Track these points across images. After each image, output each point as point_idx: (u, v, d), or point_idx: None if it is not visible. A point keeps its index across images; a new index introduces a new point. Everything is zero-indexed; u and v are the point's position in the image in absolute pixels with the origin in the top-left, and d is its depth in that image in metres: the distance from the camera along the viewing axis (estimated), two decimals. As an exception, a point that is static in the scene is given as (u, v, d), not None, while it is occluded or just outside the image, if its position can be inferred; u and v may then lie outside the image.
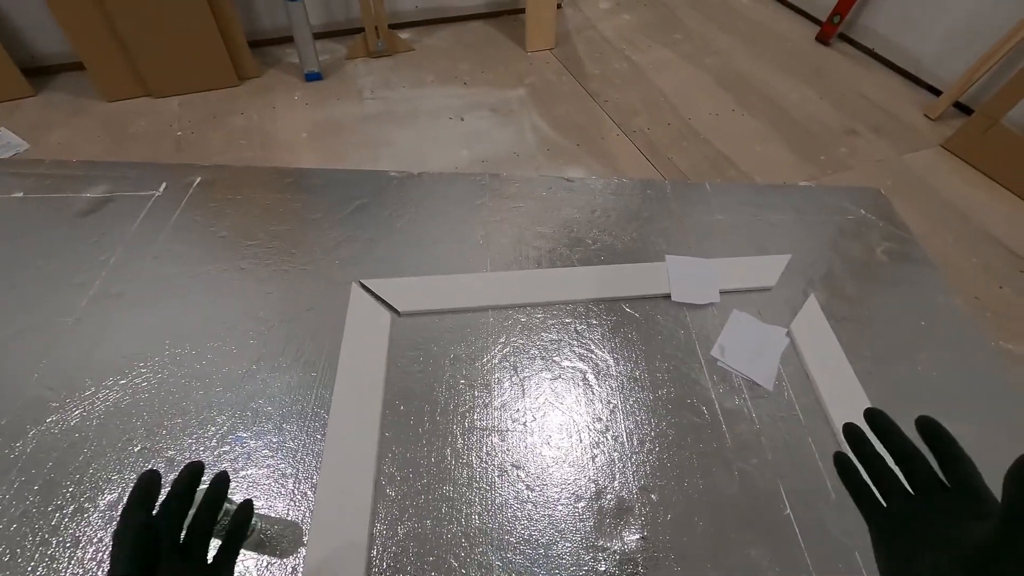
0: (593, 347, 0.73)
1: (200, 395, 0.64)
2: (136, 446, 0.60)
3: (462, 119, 2.29)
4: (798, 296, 0.82)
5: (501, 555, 0.55)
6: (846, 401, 0.69)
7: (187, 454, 0.59)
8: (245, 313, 0.74)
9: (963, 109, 2.50)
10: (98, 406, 0.63)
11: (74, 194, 0.89)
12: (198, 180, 0.93)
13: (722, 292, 0.81)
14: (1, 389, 0.64)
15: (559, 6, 3.00)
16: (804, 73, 2.73)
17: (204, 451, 0.60)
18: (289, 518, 0.55)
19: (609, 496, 0.59)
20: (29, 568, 0.51)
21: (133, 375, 0.66)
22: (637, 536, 0.57)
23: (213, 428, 0.62)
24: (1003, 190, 2.16)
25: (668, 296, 0.80)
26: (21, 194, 0.88)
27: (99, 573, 0.51)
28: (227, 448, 0.60)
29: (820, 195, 1.01)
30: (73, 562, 0.52)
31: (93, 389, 0.64)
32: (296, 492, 0.57)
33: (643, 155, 2.18)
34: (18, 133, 2.03)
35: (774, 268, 0.86)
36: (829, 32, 2.96)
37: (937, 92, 2.58)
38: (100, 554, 0.52)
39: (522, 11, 2.87)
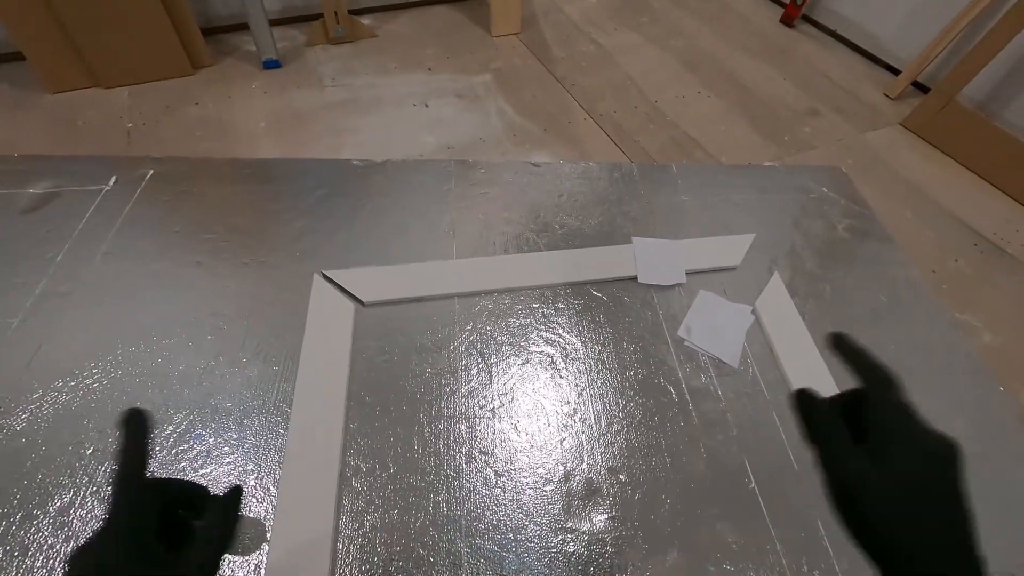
0: (561, 331, 0.73)
1: (156, 394, 0.62)
2: (88, 448, 0.57)
3: (427, 105, 2.25)
4: (763, 274, 0.83)
5: (470, 541, 0.54)
6: (809, 376, 0.71)
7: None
8: (202, 309, 0.71)
9: (921, 88, 2.56)
10: (46, 409, 0.60)
11: (16, 190, 0.84)
12: (151, 173, 0.89)
13: (688, 273, 0.82)
14: (-60, 397, 0.61)
15: (525, -11, 2.96)
16: (769, 54, 2.76)
17: (161, 451, 0.58)
18: (252, 515, 0.54)
19: (577, 478, 0.59)
20: (-25, 582, 0.49)
21: (83, 376, 0.63)
22: (605, 516, 0.57)
23: (170, 427, 0.60)
24: (958, 166, 2.23)
25: (635, 278, 0.80)
26: (-41, 191, 0.84)
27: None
28: (185, 447, 0.58)
29: (784, 175, 1.02)
30: (22, 570, 0.50)
31: (40, 392, 0.61)
32: (258, 488, 0.56)
33: (610, 138, 2.18)
34: (-44, 130, 1.92)
35: (739, 247, 0.87)
36: (793, 14, 2.99)
37: (896, 72, 2.64)
38: (51, 561, 0.50)
39: (488, -6, 2.82)
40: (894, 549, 0.28)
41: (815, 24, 3.01)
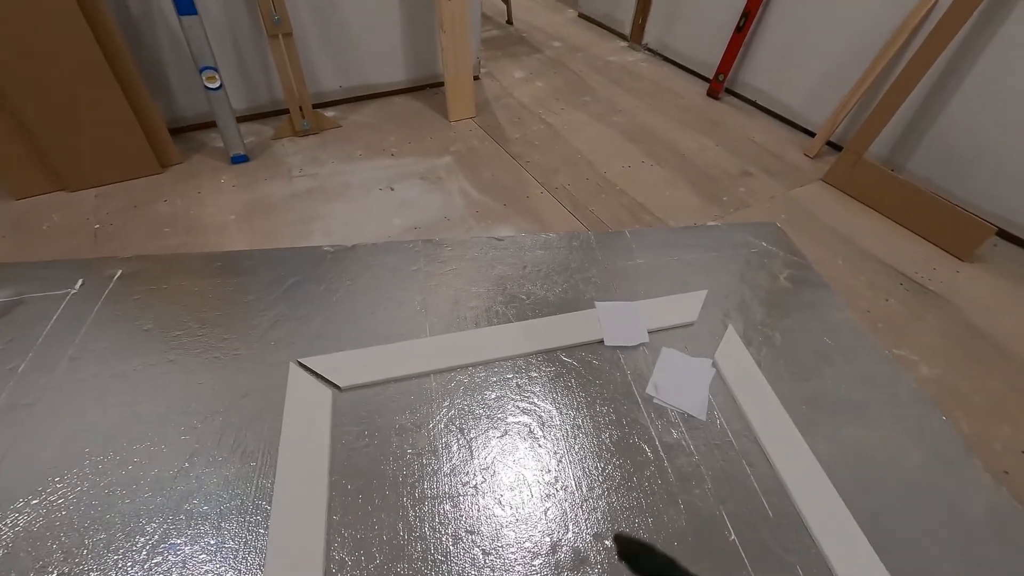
0: (536, 399, 0.75)
1: (126, 504, 0.60)
2: (52, 572, 0.54)
3: (392, 189, 2.34)
4: (718, 327, 0.89)
5: (464, 627, 0.53)
6: (771, 421, 0.75)
7: (113, 573, 0.55)
8: (175, 408, 0.70)
9: (835, 147, 2.85)
10: (5, 534, 0.57)
11: (-25, 301, 0.83)
12: (119, 273, 0.89)
13: (650, 331, 0.87)
14: None
15: (476, 77, 3.19)
16: (700, 124, 3.03)
17: (132, 565, 0.55)
18: (234, 625, 0.52)
19: (564, 548, 0.60)
20: None
21: (47, 492, 0.61)
22: (596, 584, 0.57)
23: (142, 539, 0.57)
24: (876, 214, 2.45)
25: (602, 341, 0.84)
26: (-85, 305, 0.82)
27: None
28: (159, 559, 0.56)
29: (726, 232, 1.11)
30: None
31: (1, 512, 0.58)
32: (241, 595, 0.54)
33: (566, 209, 2.31)
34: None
35: (694, 304, 0.93)
36: (717, 88, 3.32)
37: (812, 134, 2.94)
38: None
39: (442, 84, 3.03)
40: None
41: (737, 96, 3.35)
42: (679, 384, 0.80)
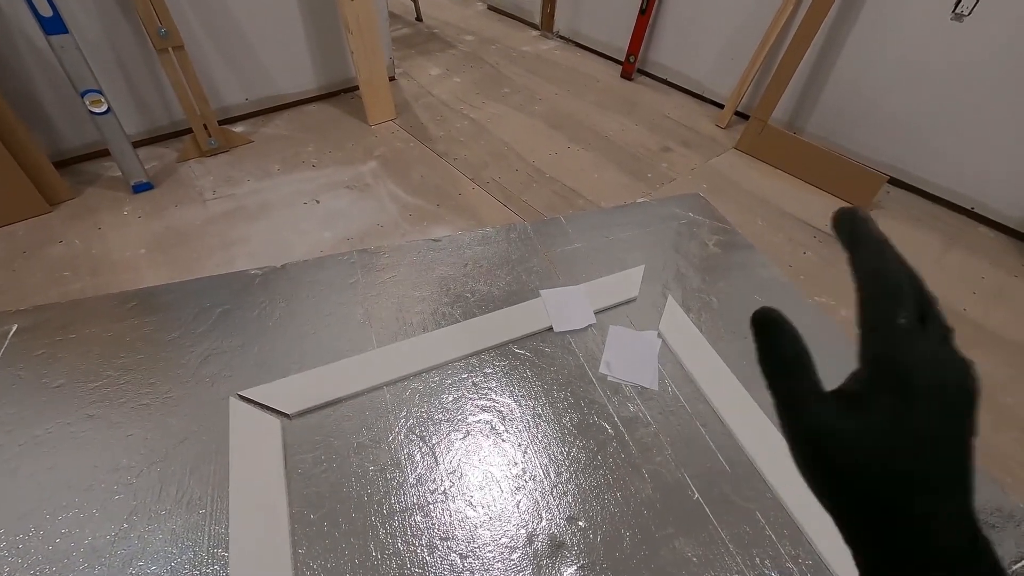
0: (494, 395, 0.74)
1: (63, 579, 0.54)
2: (-18, 671, 0.48)
3: (317, 201, 2.24)
4: (659, 299, 0.92)
5: (451, 636, 0.52)
6: (717, 382, 0.78)
7: (56, 656, 0.49)
8: (102, 467, 0.64)
9: (743, 115, 3.02)
10: (-83, 638, 0.50)
11: None
12: (14, 328, 0.80)
13: (596, 312, 0.88)
14: None
15: (392, 78, 3.12)
16: (618, 106, 3.12)
17: (79, 645, 0.50)
18: None
19: (540, 537, 0.60)
20: None
21: (-37, 584, 0.54)
22: (575, 567, 0.58)
23: (85, 613, 0.52)
24: (786, 175, 2.63)
25: (551, 328, 0.85)
26: None
27: None
28: (109, 631, 0.51)
29: (655, 207, 1.15)
30: None
31: (-95, 619, 0.51)
32: (207, 652, 0.50)
33: (500, 202, 2.31)
34: None
35: (633, 280, 0.95)
36: (629, 69, 3.43)
37: (720, 105, 3.10)
38: None
39: (356, 88, 2.94)
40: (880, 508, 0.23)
41: (649, 75, 3.47)
42: (630, 359, 0.82)
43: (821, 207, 2.43)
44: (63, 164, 2.24)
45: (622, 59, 3.47)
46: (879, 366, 0.25)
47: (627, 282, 0.95)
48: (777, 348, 0.28)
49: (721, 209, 1.17)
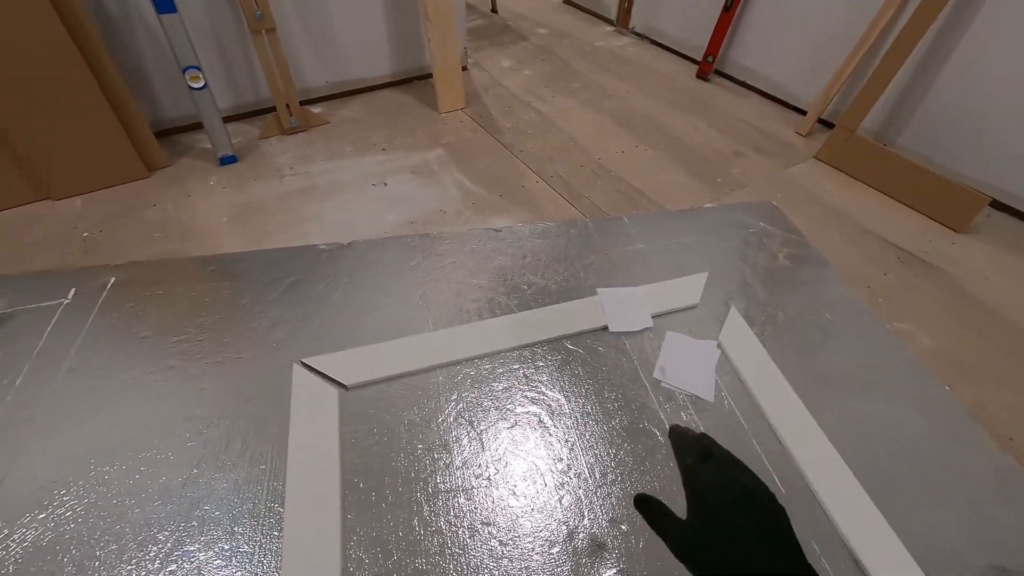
0: (544, 389, 0.74)
1: (136, 513, 0.59)
2: (65, 586, 0.54)
3: (385, 184, 2.32)
4: (721, 309, 0.89)
5: (485, 619, 0.53)
6: (778, 399, 0.75)
7: (127, 582, 0.54)
8: (179, 415, 0.69)
9: (827, 124, 2.84)
10: (13, 550, 0.56)
11: (-33, 316, 0.82)
12: (112, 281, 0.88)
13: (653, 316, 0.86)
14: None
15: (464, 68, 3.16)
16: (691, 106, 3.02)
17: (146, 575, 0.55)
18: (253, 629, 0.51)
19: (581, 535, 0.60)
20: None
21: (55, 506, 0.60)
22: (614, 570, 0.57)
23: (155, 548, 0.57)
24: (870, 189, 2.45)
25: (606, 328, 0.84)
26: (-96, 323, 0.80)
27: None
28: (173, 567, 0.55)
29: (723, 213, 1.11)
30: None
31: (6, 531, 0.58)
32: (258, 599, 0.53)
33: (563, 197, 2.30)
34: None
35: (695, 287, 0.92)
36: (706, 69, 3.31)
37: (803, 112, 2.93)
38: None
39: (428, 76, 3.00)
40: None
41: (727, 77, 3.33)
42: (685, 367, 0.79)
43: (910, 227, 2.25)
44: (161, 134, 2.43)
45: (699, 58, 3.35)
46: (688, 492, 0.42)
47: (688, 288, 0.92)
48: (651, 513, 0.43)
49: (795, 221, 1.11)
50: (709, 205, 1.16)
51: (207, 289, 0.88)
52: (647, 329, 0.84)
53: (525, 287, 0.90)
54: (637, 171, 2.46)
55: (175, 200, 2.17)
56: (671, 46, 3.65)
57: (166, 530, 0.58)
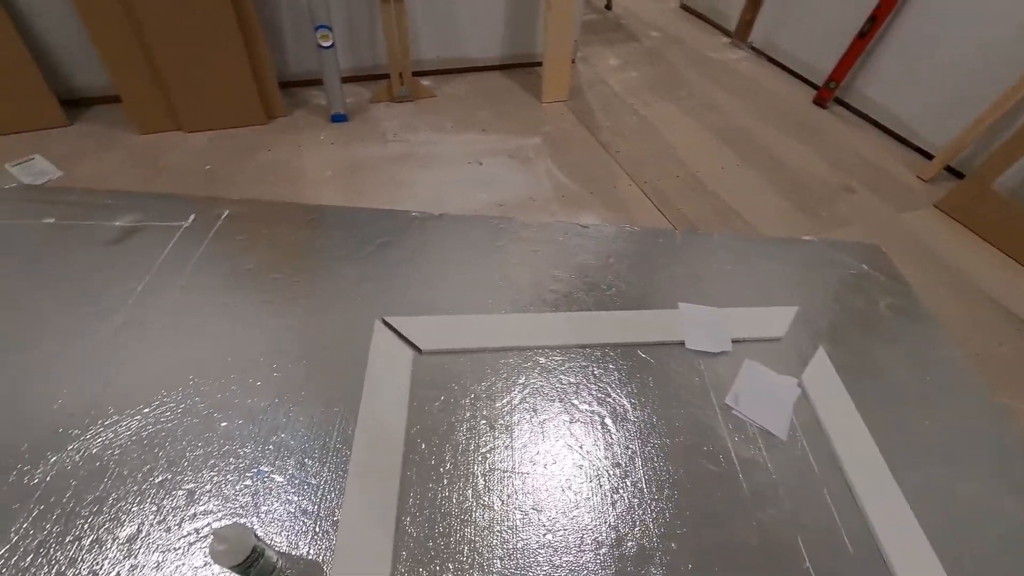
0: (610, 391, 0.74)
1: (223, 427, 0.65)
2: (157, 477, 0.60)
3: (480, 163, 2.36)
4: (807, 347, 0.84)
5: (521, 601, 0.54)
6: (858, 452, 0.70)
7: (208, 487, 0.59)
8: (268, 346, 0.75)
9: (953, 172, 2.58)
10: (121, 435, 0.63)
11: (104, 222, 0.92)
12: (226, 213, 0.96)
13: (734, 341, 0.83)
14: (23, 415, 0.65)
15: (572, 61, 3.14)
16: (802, 132, 2.84)
17: (225, 485, 0.60)
18: (310, 557, 0.55)
19: (630, 543, 0.59)
20: (44, 599, 0.51)
21: (156, 404, 0.66)
22: (657, 586, 0.56)
23: (235, 460, 0.62)
24: (997, 251, 2.21)
25: (682, 343, 0.81)
26: (52, 220, 0.91)
27: (117, 606, 0.51)
28: (249, 482, 0.60)
29: (823, 249, 1.04)
30: (90, 594, 0.51)
31: (116, 417, 0.65)
32: (318, 530, 0.57)
33: (653, 204, 2.24)
34: (51, 161, 2.09)
35: (783, 319, 0.88)
36: (825, 96, 3.10)
37: (926, 154, 2.68)
38: (117, 587, 0.52)
39: (536, 64, 3.01)
40: None
41: (847, 106, 3.10)
42: (761, 399, 0.76)
43: (1037, 298, 2.02)
44: (282, 85, 2.60)
45: (819, 83, 3.14)
46: None
47: (775, 319, 0.88)
48: None
49: (903, 270, 1.03)
50: (808, 238, 1.09)
51: (306, 235, 0.94)
52: (725, 353, 0.81)
53: (604, 287, 0.89)
54: (734, 190, 2.35)
55: (287, 149, 2.32)
56: (790, 66, 3.44)
57: (246, 447, 0.63)
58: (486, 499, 0.61)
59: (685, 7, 4.29)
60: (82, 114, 2.35)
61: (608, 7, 4.14)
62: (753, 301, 0.90)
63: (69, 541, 0.54)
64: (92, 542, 0.55)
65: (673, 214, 2.19)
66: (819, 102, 3.15)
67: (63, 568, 0.53)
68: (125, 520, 0.56)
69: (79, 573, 0.52)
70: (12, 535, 0.54)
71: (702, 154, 2.57)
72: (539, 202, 2.17)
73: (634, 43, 3.63)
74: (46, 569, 0.52)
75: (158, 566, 0.53)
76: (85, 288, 0.80)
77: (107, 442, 0.62)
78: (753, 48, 3.70)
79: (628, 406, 0.72)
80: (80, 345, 0.72)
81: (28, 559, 0.53)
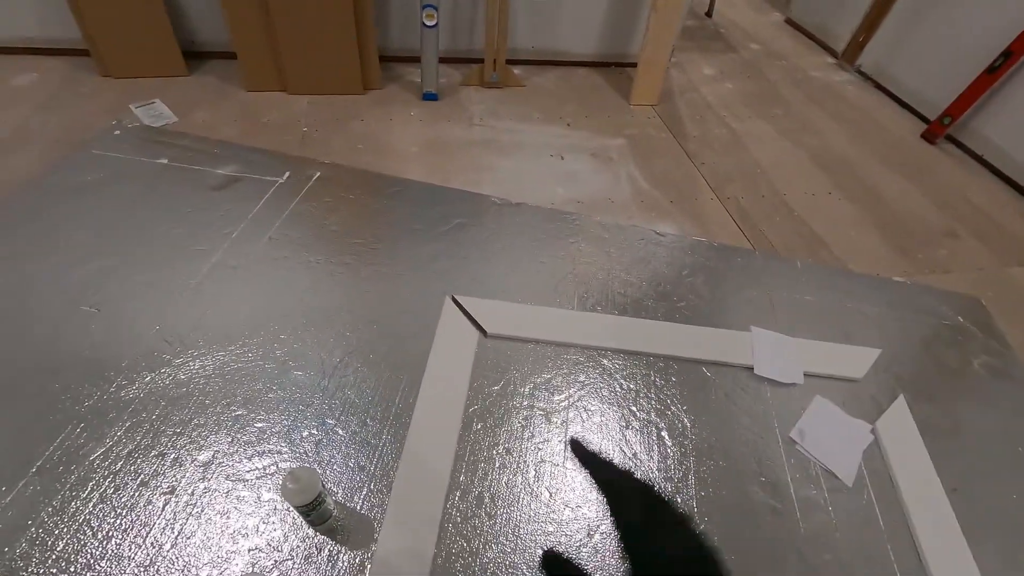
0: (670, 404, 0.72)
1: (297, 376, 0.69)
2: (235, 411, 0.64)
3: (562, 158, 2.36)
4: (885, 393, 0.79)
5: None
6: (931, 514, 0.65)
7: (277, 429, 0.63)
8: (343, 306, 0.78)
9: (1081, 231, 2.33)
10: (207, 367, 0.68)
11: (209, 169, 0.99)
12: (317, 175, 1.01)
13: (806, 374, 0.79)
14: (126, 333, 0.71)
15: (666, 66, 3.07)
16: (906, 167, 2.64)
17: (293, 430, 0.63)
18: (362, 512, 0.57)
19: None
20: (124, 505, 0.56)
21: (240, 344, 0.71)
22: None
23: (303, 408, 0.65)
24: (1120, 325, 1.97)
25: (750, 368, 0.78)
26: (166, 161, 0.99)
27: (189, 519, 0.55)
28: (314, 431, 0.63)
29: (916, 294, 0.97)
30: (166, 509, 0.56)
31: (204, 351, 0.70)
32: (372, 488, 0.59)
33: (734, 222, 2.16)
34: (169, 107, 2.27)
35: (863, 360, 0.83)
36: (937, 131, 2.86)
37: (1052, 209, 2.43)
38: (190, 507, 0.56)
39: (630, 64, 2.95)
40: None
41: (959, 145, 2.85)
42: (829, 439, 0.72)
43: None
44: (381, 60, 2.69)
45: (932, 117, 2.90)
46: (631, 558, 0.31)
47: (854, 359, 0.83)
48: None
49: (1005, 328, 0.94)
50: (900, 279, 1.02)
51: (388, 206, 0.97)
52: (795, 385, 0.78)
53: (675, 299, 0.87)
54: (824, 219, 2.23)
55: (378, 120, 2.41)
56: (900, 96, 3.20)
57: (315, 398, 0.67)
58: (536, 488, 0.61)
59: (791, 22, 4.07)
60: (200, 66, 2.54)
61: (709, 14, 4.00)
62: (832, 337, 0.85)
63: (154, 456, 0.60)
64: (173, 460, 0.59)
65: (755, 235, 2.11)
66: (928, 137, 2.92)
67: (147, 479, 0.58)
68: (203, 445, 0.61)
69: (159, 485, 0.57)
70: (108, 440, 0.60)
71: (793, 177, 2.45)
72: (617, 204, 2.14)
73: (732, 54, 3.49)
74: (132, 476, 0.58)
75: (227, 493, 0.57)
76: (188, 227, 0.87)
77: (194, 372, 0.68)
78: (860, 72, 3.47)
79: (687, 422, 0.70)
80: (179, 278, 0.79)
81: (119, 464, 0.59)
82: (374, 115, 2.43)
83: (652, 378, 0.75)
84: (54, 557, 0.52)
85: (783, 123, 2.84)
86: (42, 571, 0.51)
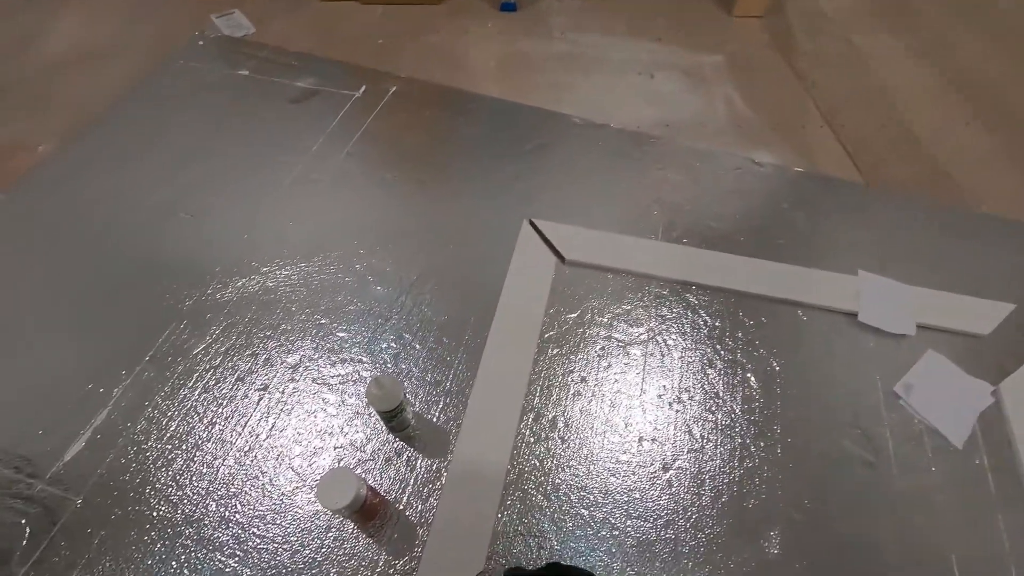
0: (760, 346, 0.67)
1: (376, 290, 0.70)
2: (320, 319, 0.67)
3: (651, 76, 2.16)
4: (1013, 354, 0.69)
5: (627, 522, 0.54)
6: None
7: (357, 338, 0.65)
8: (419, 224, 0.78)
9: None
10: (293, 277, 0.71)
11: (288, 81, 0.98)
12: (393, 89, 0.98)
13: (919, 326, 0.70)
14: (220, 240, 0.75)
15: (775, -32, 2.67)
16: (1072, 93, 2.20)
17: (373, 341, 0.65)
18: (438, 424, 0.59)
19: (754, 503, 0.56)
20: (224, 396, 0.61)
21: (322, 257, 0.73)
22: (776, 552, 0.53)
23: (383, 322, 0.67)
24: None
25: (854, 315, 0.71)
26: (247, 72, 1.00)
27: (281, 415, 0.59)
28: (393, 344, 0.65)
29: (1067, 247, 0.82)
30: (261, 403, 0.60)
31: (290, 261, 0.73)
32: (448, 404, 0.61)
33: (847, 154, 1.92)
34: (247, 16, 2.29)
35: (992, 315, 0.72)
36: (1123, 46, 2.34)
37: None
38: (281, 404, 0.60)
39: (733, -33, 2.60)
40: None
41: None
42: (940, 397, 0.65)
43: None
44: (455, -32, 2.54)
45: (1121, 28, 2.36)
46: None
47: (979, 313, 0.73)
48: None
49: None
50: (1045, 227, 0.86)
51: (465, 124, 0.93)
52: (904, 336, 0.70)
53: (772, 236, 0.79)
54: (957, 152, 1.92)
55: (454, 33, 2.30)
56: (1082, 1, 2.62)
57: (394, 312, 0.68)
58: (609, 420, 0.60)
59: (947, -91, 3.37)
60: (275, -26, 2.51)
61: (840, -98, 3.38)
62: (953, 287, 0.75)
63: (248, 355, 0.64)
64: (265, 360, 0.63)
65: (869, 168, 1.87)
66: (1109, 55, 2.40)
67: (243, 375, 0.62)
68: (291, 349, 0.64)
69: (254, 382, 0.62)
70: (208, 337, 0.65)
71: (923, 103, 2.11)
72: (711, 129, 1.95)
73: (864, -48, 2.96)
74: (230, 372, 0.62)
75: (314, 394, 0.61)
76: (269, 139, 0.88)
77: (281, 280, 0.71)
78: (1030, -28, 2.85)
79: (776, 366, 0.66)
80: (263, 190, 0.81)
81: (218, 360, 0.63)
82: (450, 27, 2.32)
83: (741, 317, 0.70)
84: (168, 435, 0.58)
85: (917, 39, 2.41)
86: (159, 447, 0.57)
